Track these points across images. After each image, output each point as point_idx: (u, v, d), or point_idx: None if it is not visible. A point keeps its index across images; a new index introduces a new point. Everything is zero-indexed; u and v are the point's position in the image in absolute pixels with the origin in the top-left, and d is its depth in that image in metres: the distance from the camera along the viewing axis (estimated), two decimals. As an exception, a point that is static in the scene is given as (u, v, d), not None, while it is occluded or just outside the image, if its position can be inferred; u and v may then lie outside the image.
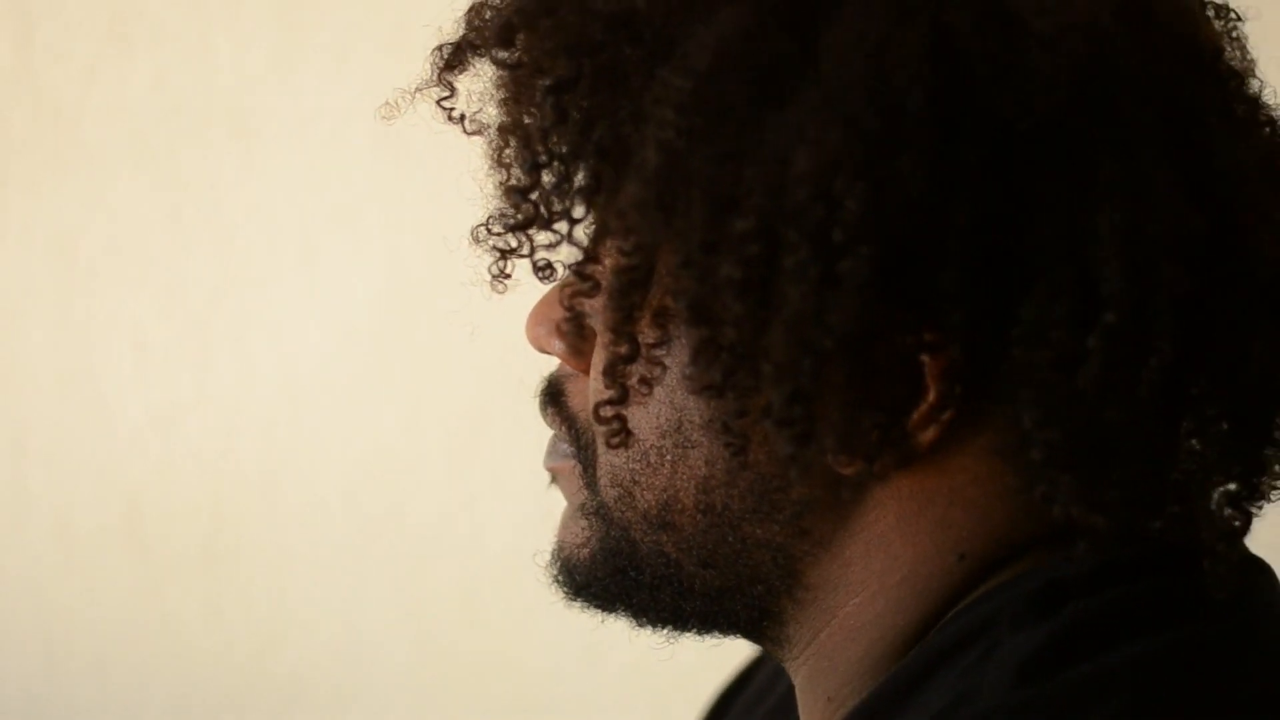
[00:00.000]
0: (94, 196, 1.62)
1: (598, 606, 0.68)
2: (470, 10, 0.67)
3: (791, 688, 0.75)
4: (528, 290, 0.69)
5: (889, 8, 0.57)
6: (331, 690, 1.62)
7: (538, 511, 1.53)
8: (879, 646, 0.63)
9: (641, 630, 0.68)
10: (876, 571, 0.62)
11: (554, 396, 0.69)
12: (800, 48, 0.57)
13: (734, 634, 0.67)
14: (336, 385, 1.58)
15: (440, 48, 0.70)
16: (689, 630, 0.67)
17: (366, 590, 1.59)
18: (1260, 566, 0.65)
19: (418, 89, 0.71)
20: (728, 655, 1.47)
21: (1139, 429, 0.58)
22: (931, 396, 0.59)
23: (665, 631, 0.67)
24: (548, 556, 0.69)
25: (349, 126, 1.53)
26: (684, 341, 0.60)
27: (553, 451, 0.70)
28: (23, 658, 1.69)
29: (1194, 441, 0.61)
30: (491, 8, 0.65)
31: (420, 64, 1.53)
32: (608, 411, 0.62)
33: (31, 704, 1.69)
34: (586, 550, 0.67)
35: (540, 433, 1.50)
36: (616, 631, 1.59)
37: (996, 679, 0.58)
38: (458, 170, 1.58)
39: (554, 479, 0.70)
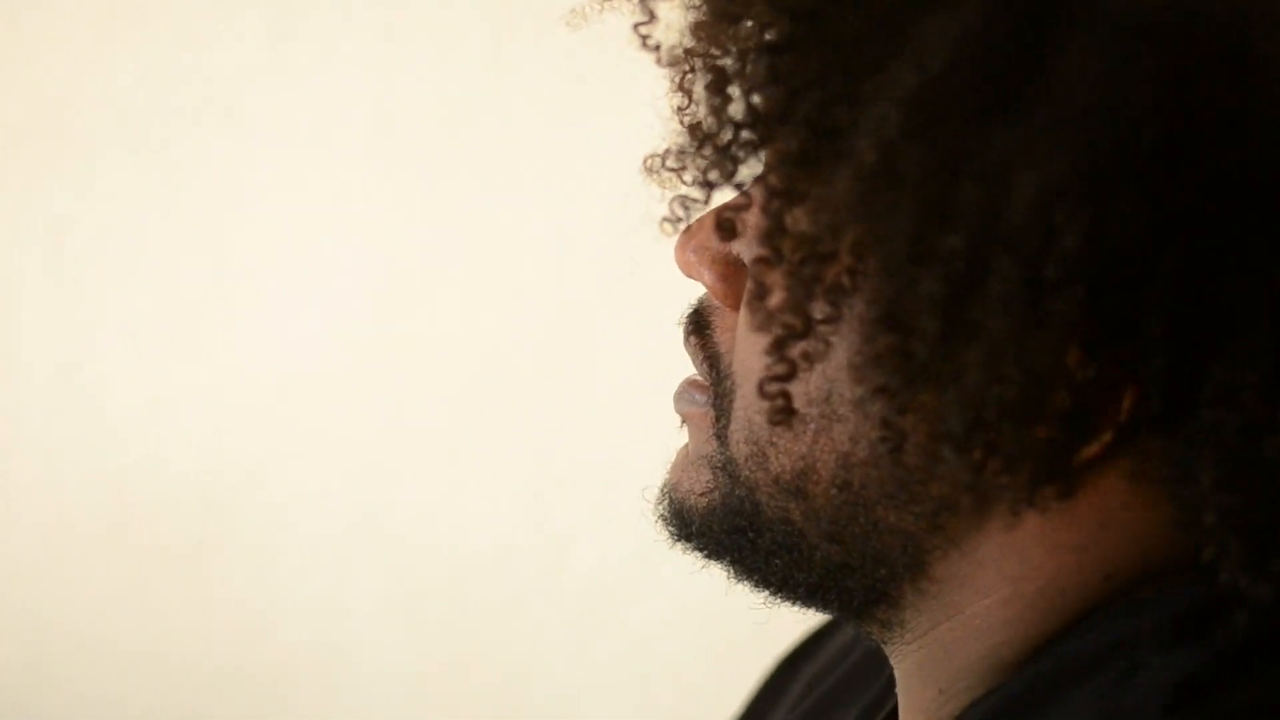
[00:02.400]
0: (85, 186, 1.62)
1: (703, 555, 0.66)
2: None
3: (871, 658, 0.74)
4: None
5: (1130, 31, 0.54)
6: (318, 683, 1.62)
7: (525, 505, 1.53)
8: (1006, 649, 0.61)
9: (738, 584, 0.65)
10: (1011, 577, 0.60)
11: (700, 326, 0.66)
12: (1035, 59, 0.54)
13: (836, 611, 0.64)
14: (326, 378, 1.58)
15: None
16: (791, 600, 0.64)
17: (354, 583, 1.59)
18: None
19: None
20: (716, 647, 1.47)
21: None
22: (1109, 436, 0.57)
23: (765, 595, 0.65)
24: (655, 492, 0.67)
25: (342, 116, 1.53)
26: (855, 328, 0.58)
27: (684, 397, 0.67)
28: (9, 649, 1.69)
29: None
30: None
31: (411, 52, 1.52)
32: (773, 388, 0.59)
33: (18, 695, 1.69)
34: (705, 500, 0.64)
35: (529, 427, 1.49)
36: (603, 622, 1.59)
37: (1147, 703, 0.56)
38: (451, 162, 1.58)
39: (683, 423, 0.67)
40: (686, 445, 0.67)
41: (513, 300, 1.51)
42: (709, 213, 0.63)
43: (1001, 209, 0.54)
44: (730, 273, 0.64)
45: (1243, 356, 0.55)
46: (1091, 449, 0.57)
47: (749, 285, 0.60)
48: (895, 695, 0.68)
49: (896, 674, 0.66)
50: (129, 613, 1.66)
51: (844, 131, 0.56)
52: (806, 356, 0.58)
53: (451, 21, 1.49)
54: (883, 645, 0.65)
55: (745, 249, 0.64)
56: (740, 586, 0.66)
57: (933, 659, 0.63)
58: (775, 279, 0.59)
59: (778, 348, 0.59)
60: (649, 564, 1.47)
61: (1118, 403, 0.56)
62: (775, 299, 0.59)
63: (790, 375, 0.59)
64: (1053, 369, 0.55)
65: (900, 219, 0.55)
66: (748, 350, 0.63)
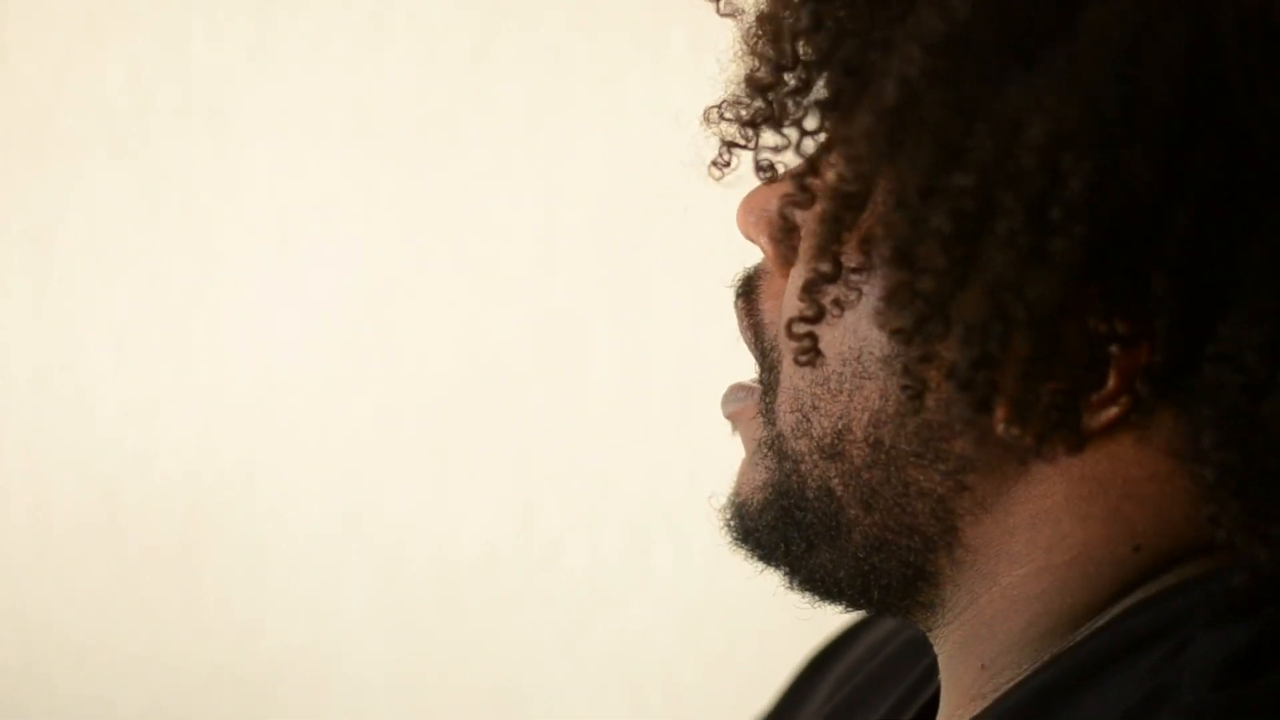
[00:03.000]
0: (69, 188, 1.61)
1: (758, 556, 0.68)
2: None
3: (905, 651, 0.75)
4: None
5: None
6: (308, 683, 1.61)
7: (514, 507, 1.53)
8: (1044, 621, 0.63)
9: (792, 591, 0.68)
10: (1044, 547, 0.62)
11: (748, 290, 0.69)
12: (1059, 16, 0.57)
13: (880, 603, 0.66)
14: (314, 378, 1.57)
15: None
16: (836, 597, 0.67)
17: (343, 583, 1.59)
18: None
19: None
20: (708, 648, 1.47)
21: None
22: (1111, 386, 0.59)
23: (811, 596, 0.67)
24: (722, 500, 0.70)
25: (326, 117, 1.53)
26: (881, 277, 0.61)
27: (730, 398, 0.70)
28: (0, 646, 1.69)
29: None
30: None
31: (395, 54, 1.53)
32: (801, 328, 0.62)
33: (7, 697, 1.68)
34: (760, 495, 0.67)
35: (519, 429, 1.49)
36: (592, 623, 1.59)
37: (1197, 677, 0.57)
38: (435, 162, 1.58)
39: (734, 428, 0.71)
40: (743, 459, 0.70)
41: (501, 301, 1.51)
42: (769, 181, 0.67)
43: (1011, 152, 0.56)
44: (782, 236, 0.67)
45: (1247, 317, 0.56)
46: (1110, 412, 0.59)
47: (775, 220, 0.63)
48: (931, 685, 0.70)
49: (940, 660, 0.67)
50: (118, 614, 1.65)
51: (874, 75, 0.59)
52: (838, 303, 0.62)
53: (435, 21, 1.48)
54: (929, 635, 0.67)
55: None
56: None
57: (975, 635, 0.64)
58: (806, 220, 0.62)
59: (807, 290, 0.62)
60: (639, 566, 1.46)
61: (1128, 360, 0.58)
62: (805, 240, 0.62)
63: (818, 318, 0.62)
64: (1059, 314, 0.57)
65: (916, 157, 0.57)
66: (787, 309, 0.65)
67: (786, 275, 0.67)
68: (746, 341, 0.69)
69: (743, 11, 0.66)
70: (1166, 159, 0.56)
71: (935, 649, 0.67)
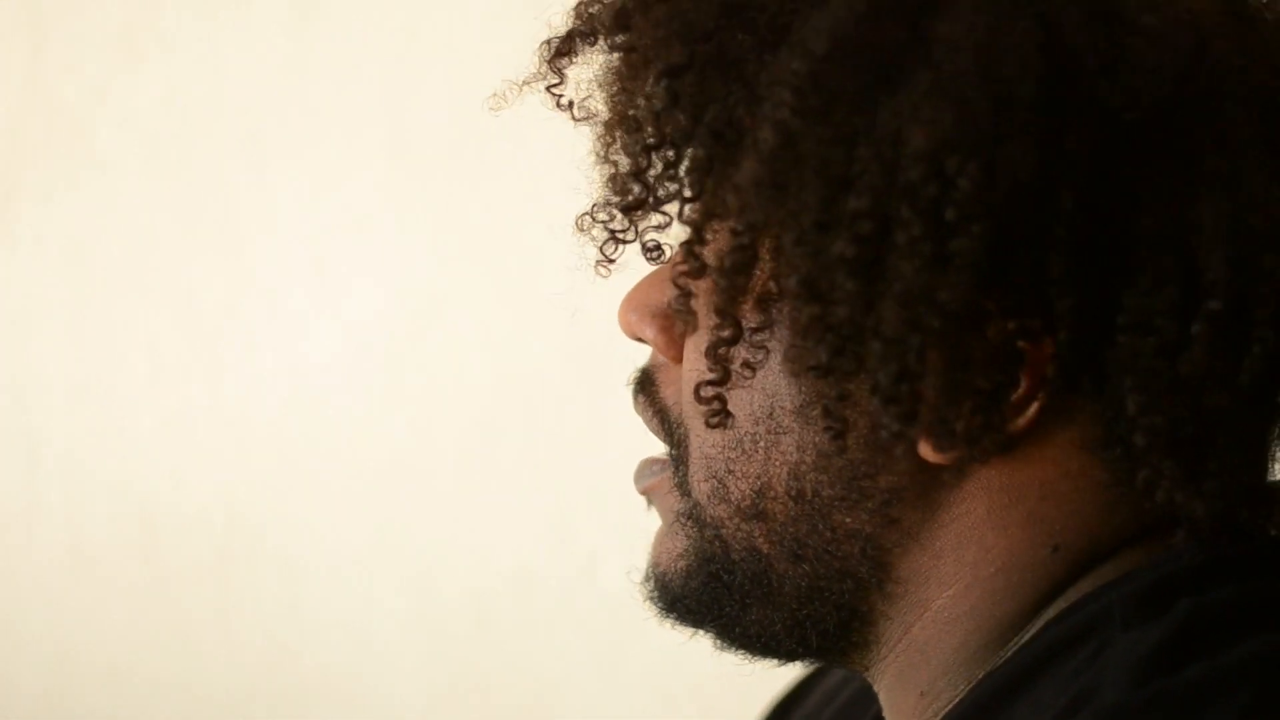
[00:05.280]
0: (106, 206, 1.62)
1: (689, 622, 0.69)
2: (580, 2, 0.68)
3: (857, 698, 0.75)
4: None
5: (999, 2, 0.59)
6: (342, 699, 1.61)
7: (548, 520, 1.53)
8: (976, 638, 0.63)
9: (725, 651, 0.68)
10: (970, 563, 0.63)
11: (645, 384, 0.70)
12: (912, 36, 0.59)
13: (816, 649, 0.67)
14: (348, 394, 1.58)
15: (549, 41, 0.70)
16: (774, 652, 0.67)
17: (377, 599, 1.59)
18: None
19: (526, 81, 0.72)
20: (742, 665, 1.47)
21: (1240, 417, 0.59)
22: (1026, 384, 0.60)
23: (748, 654, 0.68)
24: (641, 574, 0.70)
25: (360, 135, 1.53)
26: (786, 326, 0.62)
27: (643, 474, 0.71)
28: (35, 665, 1.69)
29: None
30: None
31: (428, 71, 1.53)
32: (708, 392, 0.63)
33: (44, 712, 1.69)
34: (682, 562, 0.68)
35: (555, 444, 1.48)
36: (627, 640, 1.58)
37: (1115, 678, 0.58)
38: (469, 179, 1.57)
39: (649, 502, 0.72)
40: (659, 528, 0.70)
41: (536, 318, 1.51)
42: (645, 277, 0.68)
43: (897, 167, 0.57)
44: (670, 325, 0.67)
45: (1151, 283, 0.58)
46: (1030, 411, 0.60)
47: (673, 294, 0.63)
48: None
49: (881, 698, 0.68)
50: (153, 630, 1.66)
51: (746, 129, 0.60)
52: (747, 365, 0.62)
53: (469, 39, 1.49)
54: (866, 674, 0.67)
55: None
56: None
57: (911, 664, 0.65)
58: (700, 287, 0.62)
59: (711, 353, 0.62)
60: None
61: (1038, 354, 0.59)
62: (703, 305, 0.63)
63: (724, 380, 0.63)
64: (968, 316, 0.58)
65: (806, 194, 0.59)
66: (689, 381, 0.65)
67: (680, 360, 0.67)
68: (652, 429, 0.70)
69: (597, 115, 0.67)
70: (1043, 147, 0.57)
71: (875, 688, 0.68)
